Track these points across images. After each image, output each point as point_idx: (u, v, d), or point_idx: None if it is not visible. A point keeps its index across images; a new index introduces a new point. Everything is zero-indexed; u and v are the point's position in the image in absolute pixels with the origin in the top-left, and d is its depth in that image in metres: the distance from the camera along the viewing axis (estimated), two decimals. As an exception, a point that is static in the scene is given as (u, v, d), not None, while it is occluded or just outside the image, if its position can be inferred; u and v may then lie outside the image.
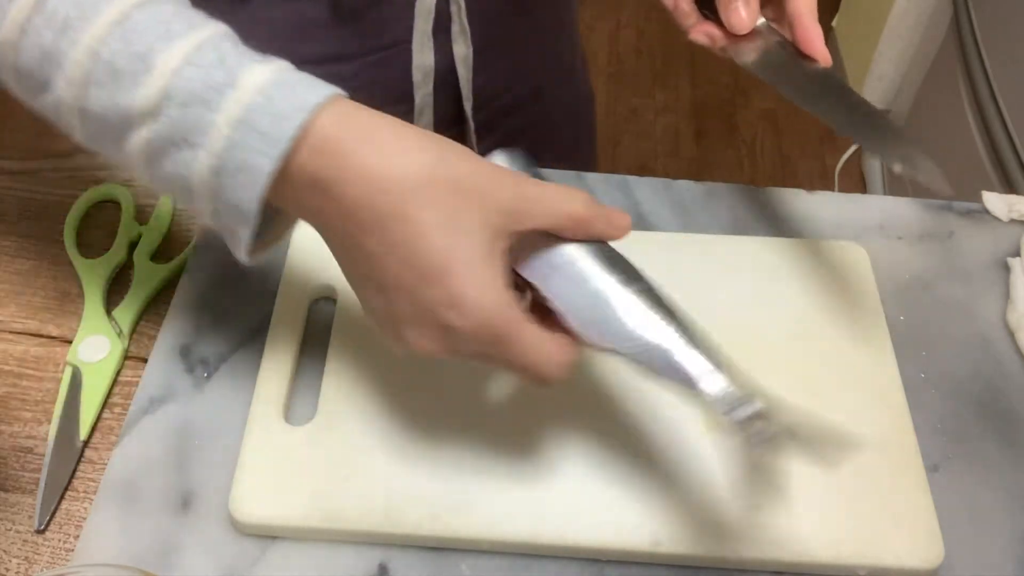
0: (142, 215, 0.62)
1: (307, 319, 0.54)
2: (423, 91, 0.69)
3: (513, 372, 0.40)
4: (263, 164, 0.37)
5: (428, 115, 0.71)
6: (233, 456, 0.48)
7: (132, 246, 0.60)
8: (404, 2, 0.64)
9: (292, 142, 0.37)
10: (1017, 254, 0.59)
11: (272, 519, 0.46)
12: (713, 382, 0.40)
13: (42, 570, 0.46)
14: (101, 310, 0.56)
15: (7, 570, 0.46)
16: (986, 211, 0.62)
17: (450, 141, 0.40)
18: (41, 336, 0.56)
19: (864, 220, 0.61)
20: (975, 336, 0.56)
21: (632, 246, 0.58)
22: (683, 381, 0.40)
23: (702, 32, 0.55)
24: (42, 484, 0.49)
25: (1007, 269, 0.58)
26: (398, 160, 0.38)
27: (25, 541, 0.47)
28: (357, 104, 0.39)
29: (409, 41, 0.66)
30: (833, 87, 0.52)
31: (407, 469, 0.47)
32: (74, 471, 0.50)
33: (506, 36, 0.71)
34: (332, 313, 0.54)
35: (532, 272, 0.42)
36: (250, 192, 0.37)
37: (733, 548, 0.45)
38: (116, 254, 0.59)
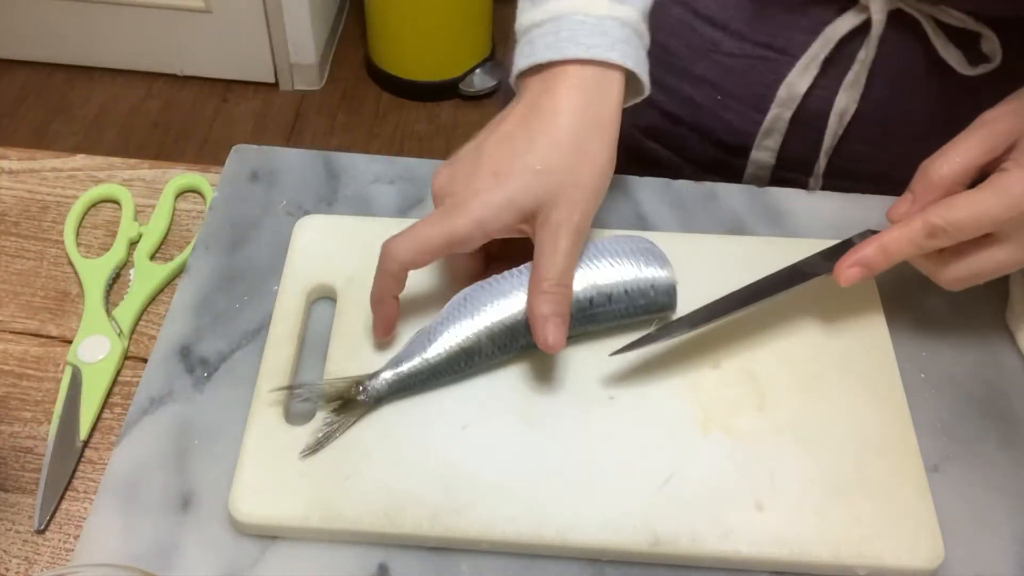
0: (142, 215, 0.62)
1: (307, 319, 0.54)
2: (778, 111, 0.65)
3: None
4: (521, 61, 0.52)
5: (775, 139, 0.66)
6: (233, 456, 0.48)
7: (132, 246, 0.60)
8: (818, 19, 0.61)
9: (531, 64, 0.51)
10: (1017, 254, 0.59)
11: (272, 519, 0.46)
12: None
13: (42, 570, 0.46)
14: (101, 310, 0.56)
15: (7, 570, 0.46)
16: (986, 211, 0.62)
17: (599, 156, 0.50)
18: (41, 336, 0.56)
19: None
20: (975, 336, 0.56)
21: (632, 246, 0.58)
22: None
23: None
24: (42, 484, 0.49)
25: (1007, 269, 0.58)
26: (544, 116, 0.50)
27: (25, 541, 0.47)
28: (581, 76, 0.50)
29: (798, 57, 0.62)
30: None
31: (407, 469, 0.47)
32: (74, 471, 0.50)
33: (915, 115, 0.64)
34: (332, 313, 0.54)
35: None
36: (523, 60, 0.52)
37: (733, 548, 0.45)
38: (116, 254, 0.59)
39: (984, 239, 0.47)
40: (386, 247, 0.49)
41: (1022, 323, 0.55)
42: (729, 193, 0.63)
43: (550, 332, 0.47)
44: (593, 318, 0.51)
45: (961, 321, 0.56)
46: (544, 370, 0.51)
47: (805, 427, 0.50)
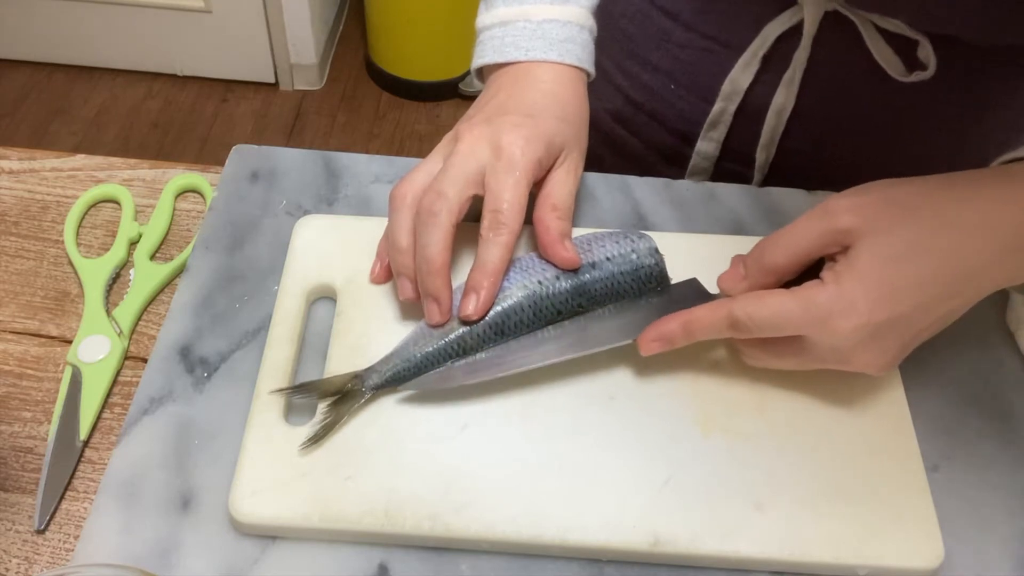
0: (142, 215, 0.62)
1: (307, 319, 0.54)
2: (722, 105, 0.66)
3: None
4: (475, 60, 0.59)
5: (720, 131, 0.67)
6: (233, 456, 0.48)
7: (132, 246, 0.60)
8: (759, 16, 0.61)
9: (482, 64, 0.58)
10: (1017, 254, 0.59)
11: (272, 519, 0.46)
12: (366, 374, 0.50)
13: (42, 570, 0.46)
14: (101, 310, 0.56)
15: (7, 570, 0.46)
16: (986, 211, 0.62)
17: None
18: (41, 336, 0.56)
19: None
20: (975, 336, 0.56)
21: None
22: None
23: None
24: (42, 484, 0.49)
25: (1007, 269, 0.58)
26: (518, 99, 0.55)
27: (25, 541, 0.47)
28: (551, 71, 0.56)
29: (741, 52, 0.63)
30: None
31: (407, 469, 0.47)
32: (74, 471, 0.50)
33: (852, 117, 0.64)
34: (332, 313, 0.54)
35: None
36: (477, 60, 0.59)
37: (733, 548, 0.45)
38: (116, 254, 0.59)
39: (791, 337, 0.46)
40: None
41: (1022, 323, 0.55)
42: (729, 193, 0.63)
43: (560, 246, 0.51)
44: (583, 290, 0.51)
45: (961, 321, 0.56)
46: (544, 370, 0.51)
47: (805, 427, 0.50)
